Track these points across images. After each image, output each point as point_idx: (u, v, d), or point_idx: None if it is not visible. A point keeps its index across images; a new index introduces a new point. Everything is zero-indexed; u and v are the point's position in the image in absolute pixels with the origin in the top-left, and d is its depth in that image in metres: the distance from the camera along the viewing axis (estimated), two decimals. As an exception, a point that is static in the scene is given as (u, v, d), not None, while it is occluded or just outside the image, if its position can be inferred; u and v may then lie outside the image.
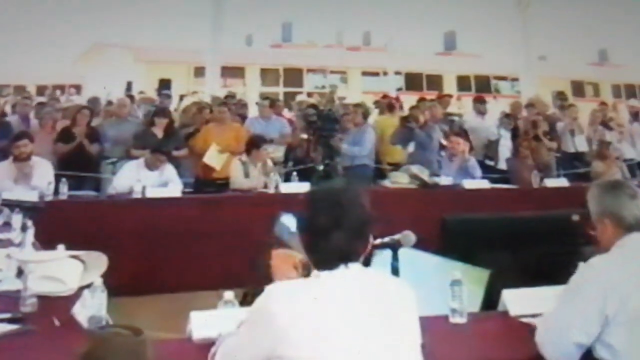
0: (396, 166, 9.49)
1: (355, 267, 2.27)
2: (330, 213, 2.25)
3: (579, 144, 11.22)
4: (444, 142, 9.64)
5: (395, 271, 3.17)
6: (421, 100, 12.09)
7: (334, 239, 2.23)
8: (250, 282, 2.74)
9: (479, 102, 11.92)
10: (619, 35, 32.91)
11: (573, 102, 13.70)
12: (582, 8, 29.65)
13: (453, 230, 4.74)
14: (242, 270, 3.40)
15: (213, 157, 8.79)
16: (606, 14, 30.65)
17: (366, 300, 2.22)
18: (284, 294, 2.19)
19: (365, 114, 9.92)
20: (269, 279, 2.76)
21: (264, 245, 3.12)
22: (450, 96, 14.05)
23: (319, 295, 2.19)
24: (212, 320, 2.87)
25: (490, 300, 3.60)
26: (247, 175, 8.17)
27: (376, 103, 13.01)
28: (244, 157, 8.32)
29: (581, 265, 2.77)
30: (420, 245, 3.79)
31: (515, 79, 24.68)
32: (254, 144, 8.38)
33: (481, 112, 11.46)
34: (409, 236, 3.24)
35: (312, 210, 2.30)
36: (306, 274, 2.49)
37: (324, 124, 9.07)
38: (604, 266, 2.72)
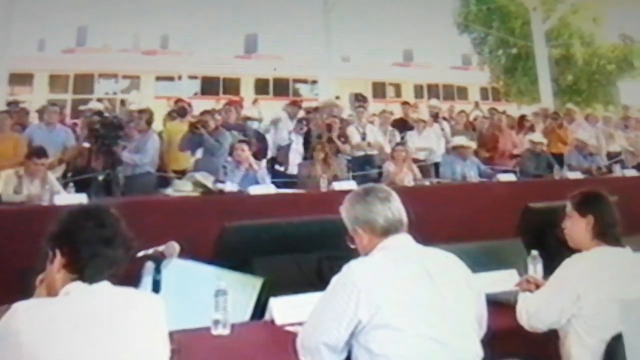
0: (182, 173, 9.28)
1: (105, 285, 2.27)
2: (84, 230, 2.28)
3: (368, 147, 11.46)
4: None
5: (156, 284, 3.05)
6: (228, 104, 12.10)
7: (89, 255, 2.26)
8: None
9: (293, 105, 12.11)
10: (424, 35, 33.58)
11: (366, 104, 13.98)
12: (388, 8, 30.38)
13: (232, 237, 4.66)
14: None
15: None
16: (412, 13, 31.56)
17: (111, 318, 2.22)
18: (28, 312, 2.14)
19: (149, 120, 9.62)
20: None
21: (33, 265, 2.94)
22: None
23: (64, 312, 2.17)
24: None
25: (263, 309, 3.54)
26: (18, 190, 7.57)
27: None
28: (21, 171, 7.70)
29: (344, 267, 2.73)
30: (200, 254, 3.70)
31: (315, 82, 25.02)
32: (30, 155, 7.80)
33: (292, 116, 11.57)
34: (173, 247, 3.14)
35: (70, 227, 2.31)
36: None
37: (107, 131, 8.72)
38: (361, 269, 2.69)
